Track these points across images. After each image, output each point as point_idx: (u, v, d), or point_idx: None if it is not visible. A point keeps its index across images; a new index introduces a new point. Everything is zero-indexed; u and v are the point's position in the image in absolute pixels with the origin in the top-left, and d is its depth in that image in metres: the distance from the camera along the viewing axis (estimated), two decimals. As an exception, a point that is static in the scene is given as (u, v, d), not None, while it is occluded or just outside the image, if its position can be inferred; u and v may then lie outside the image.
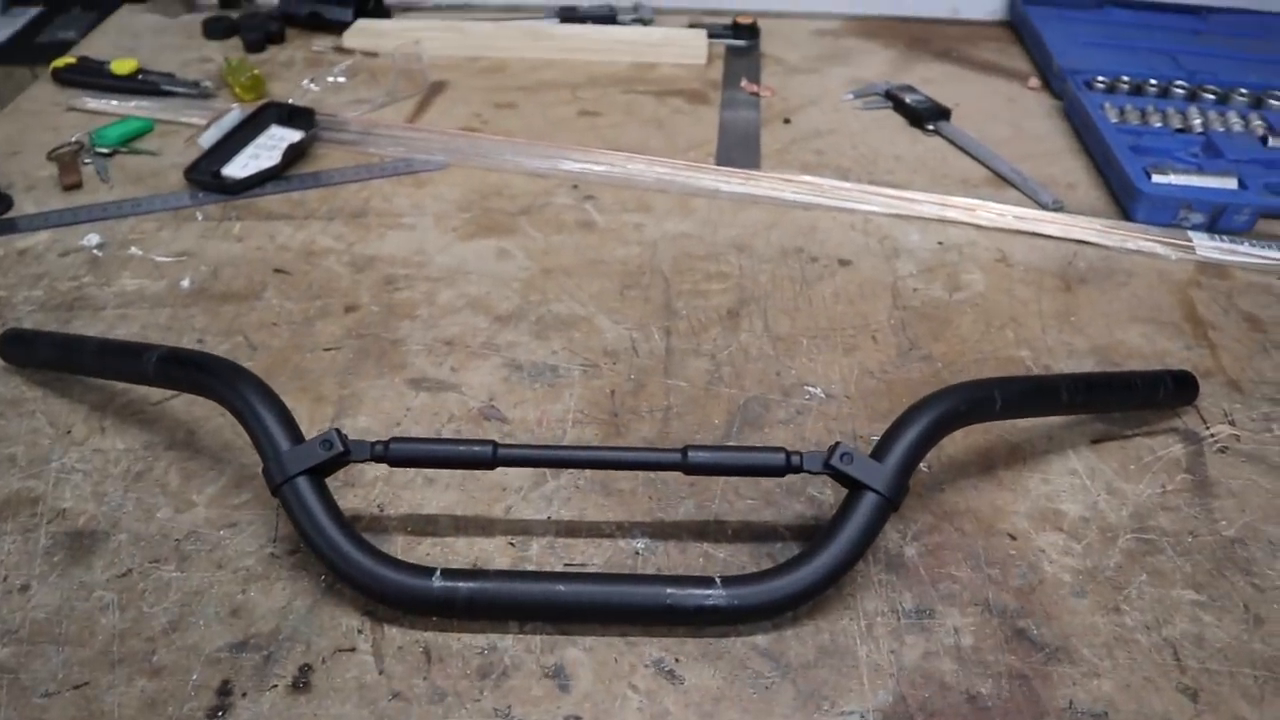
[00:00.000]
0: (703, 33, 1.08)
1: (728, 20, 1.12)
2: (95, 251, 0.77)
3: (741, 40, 1.10)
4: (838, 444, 0.53)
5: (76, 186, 0.84)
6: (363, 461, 0.53)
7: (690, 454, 0.53)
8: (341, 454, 0.52)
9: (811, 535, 0.56)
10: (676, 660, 0.50)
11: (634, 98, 1.00)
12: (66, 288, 0.74)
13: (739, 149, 0.90)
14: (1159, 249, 0.79)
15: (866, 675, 0.49)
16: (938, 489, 0.59)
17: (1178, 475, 0.61)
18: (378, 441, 0.53)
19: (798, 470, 0.53)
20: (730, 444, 0.56)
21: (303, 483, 0.52)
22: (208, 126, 0.88)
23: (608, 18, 1.11)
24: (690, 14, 1.17)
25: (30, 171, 0.87)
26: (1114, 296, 0.75)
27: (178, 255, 0.77)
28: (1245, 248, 0.79)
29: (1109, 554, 0.56)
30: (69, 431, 0.62)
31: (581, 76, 1.04)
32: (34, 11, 1.26)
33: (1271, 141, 0.87)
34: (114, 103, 0.96)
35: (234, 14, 1.11)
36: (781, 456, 0.53)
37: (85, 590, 0.53)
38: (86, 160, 0.87)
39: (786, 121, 0.96)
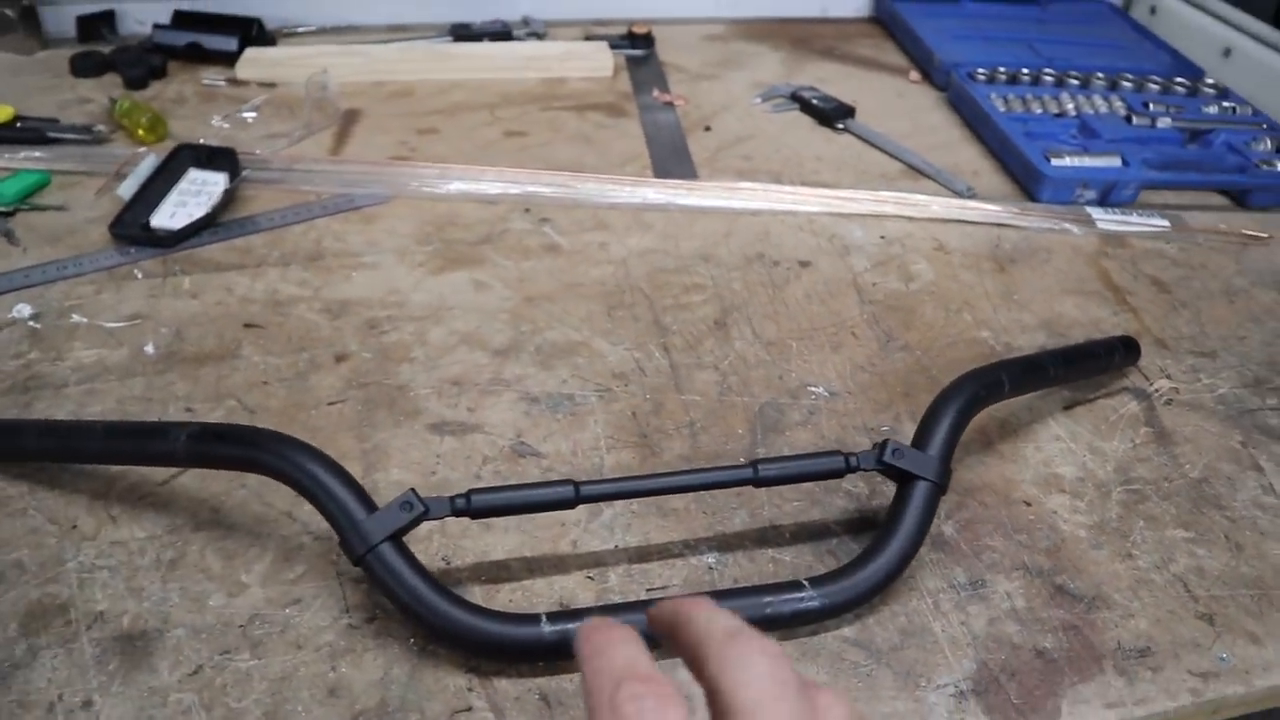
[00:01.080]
0: (605, 45, 1.09)
1: (615, 31, 1.14)
2: (31, 323, 0.71)
3: (639, 50, 1.12)
4: (886, 441, 0.57)
5: (-17, 254, 0.77)
6: (442, 518, 0.53)
7: (760, 468, 0.56)
8: (422, 513, 0.52)
9: (859, 528, 0.60)
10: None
11: (554, 114, 1.01)
12: (13, 367, 0.68)
13: (671, 160, 0.93)
14: (1067, 225, 0.88)
15: (947, 648, 0.54)
16: (953, 469, 0.64)
17: (1140, 429, 0.69)
18: (456, 495, 0.53)
19: (855, 470, 0.57)
20: (791, 454, 0.59)
21: (386, 549, 0.51)
22: (122, 175, 0.82)
23: (503, 34, 1.11)
24: (580, 25, 1.18)
25: (-82, 242, 0.79)
26: (1042, 273, 0.83)
27: (129, 319, 0.72)
28: (1135, 218, 0.89)
29: (1108, 507, 0.63)
30: (74, 526, 0.58)
31: (494, 96, 1.03)
32: None
33: (1135, 120, 0.98)
34: (2, 157, 0.87)
35: (104, 49, 1.03)
36: (841, 460, 0.57)
37: (158, 696, 0.50)
38: (-17, 224, 0.80)
39: (707, 129, 0.99)
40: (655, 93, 1.05)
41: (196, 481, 0.61)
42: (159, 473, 0.61)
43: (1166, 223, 0.89)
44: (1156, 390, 0.72)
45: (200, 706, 0.49)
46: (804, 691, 0.30)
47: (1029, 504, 0.63)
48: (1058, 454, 0.66)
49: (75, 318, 0.72)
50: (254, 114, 0.95)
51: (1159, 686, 0.52)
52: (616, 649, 0.31)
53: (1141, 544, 0.60)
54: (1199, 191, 0.95)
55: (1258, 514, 0.63)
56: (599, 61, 1.08)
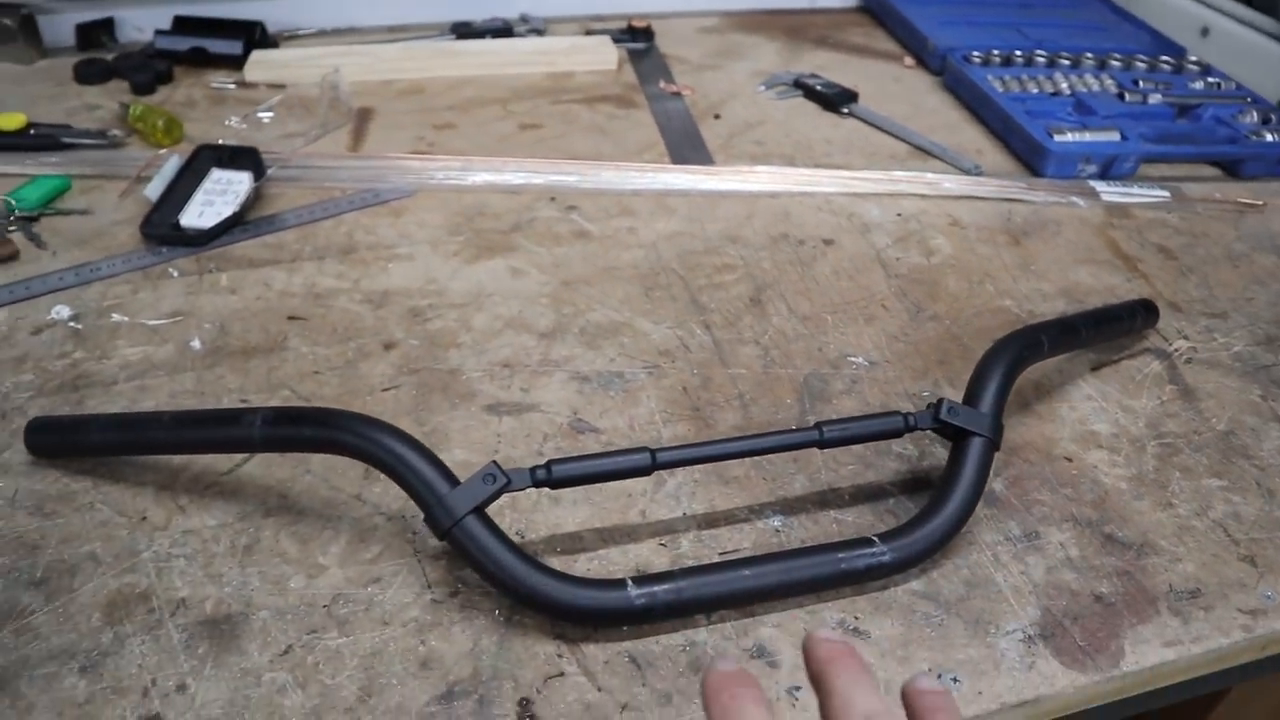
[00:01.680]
0: (608, 38, 1.11)
1: (613, 25, 1.16)
2: (72, 324, 0.71)
3: (639, 43, 1.14)
4: (941, 400, 0.59)
5: (13, 257, 0.76)
6: (523, 489, 0.54)
7: (825, 429, 0.57)
8: (504, 485, 0.53)
9: (913, 488, 0.62)
10: (856, 618, 0.54)
11: (566, 107, 1.02)
12: (59, 367, 0.67)
13: (686, 147, 0.95)
14: (1073, 198, 0.91)
15: (1011, 597, 0.56)
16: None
17: (1166, 387, 0.72)
18: (536, 466, 0.54)
19: (913, 429, 0.59)
20: (852, 416, 0.60)
21: (472, 521, 0.52)
22: (146, 178, 0.82)
23: (504, 31, 1.12)
24: (577, 21, 1.19)
25: (-55, 248, 0.78)
26: (1054, 244, 0.86)
27: (170, 316, 0.72)
28: (1136, 190, 0.93)
29: (1145, 460, 0.65)
30: (145, 517, 0.58)
31: (504, 91, 1.04)
32: None
33: (1128, 97, 1.01)
34: (12, 163, 0.86)
35: (107, 55, 1.02)
36: (900, 419, 0.59)
37: (251, 676, 0.50)
38: (10, 228, 0.79)
39: (717, 117, 1.01)
40: (661, 83, 1.06)
41: (260, 469, 0.61)
42: (222, 462, 0.61)
43: (1166, 193, 0.92)
44: (1176, 350, 0.75)
45: (295, 685, 0.50)
46: None
47: (1070, 460, 0.65)
48: (1091, 412, 0.69)
49: (116, 317, 0.72)
50: (269, 114, 0.95)
51: (1212, 625, 0.55)
52: (744, 713, 0.35)
53: (1180, 493, 0.63)
54: (1193, 164, 0.99)
55: (1285, 461, 0.66)
56: (604, 55, 1.09)
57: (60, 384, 0.66)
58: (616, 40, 1.13)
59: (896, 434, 0.59)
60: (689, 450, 0.56)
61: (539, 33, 1.14)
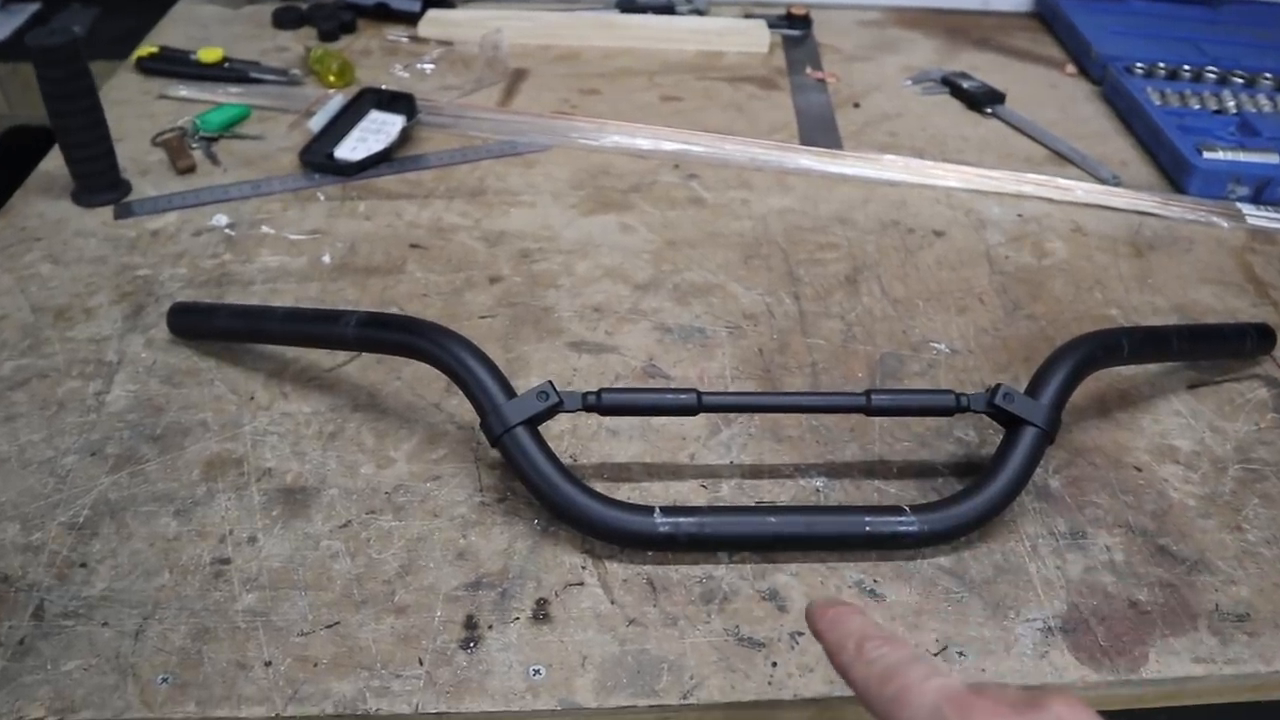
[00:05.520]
0: (763, 22, 1.14)
1: (775, 12, 1.18)
2: (227, 231, 0.80)
3: (796, 30, 1.16)
4: (999, 385, 0.59)
5: (191, 170, 0.87)
6: (574, 411, 0.58)
7: (873, 397, 0.59)
8: (556, 404, 0.57)
9: (965, 472, 0.62)
10: (875, 581, 0.55)
11: (709, 84, 1.06)
12: (210, 265, 0.77)
13: (818, 131, 0.96)
14: (1214, 218, 0.87)
15: (1040, 588, 0.55)
16: (1065, 430, 0.65)
17: (1268, 415, 0.68)
18: (589, 392, 0.58)
19: (965, 410, 0.59)
20: (906, 389, 0.61)
21: (521, 432, 0.56)
22: (312, 112, 0.91)
23: (666, 8, 1.16)
24: (740, 5, 1.22)
25: (138, 157, 0.89)
26: (1181, 261, 0.83)
27: (310, 233, 0.80)
28: (1289, 216, 0.88)
29: (1223, 482, 0.63)
30: (252, 398, 0.65)
31: (655, 64, 1.09)
32: (33, 8, 1.27)
33: (1301, 121, 0.96)
34: (206, 91, 0.98)
35: (302, 4, 1.14)
36: (951, 397, 0.59)
37: (312, 541, 0.56)
38: (193, 145, 0.90)
39: (856, 106, 1.02)
40: (808, 70, 1.08)
41: (359, 371, 0.68)
42: (327, 360, 0.68)
43: (1323, 224, 0.87)
44: (1291, 381, 0.71)
45: (346, 553, 0.56)
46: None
47: (1139, 469, 0.63)
48: (1175, 428, 0.67)
49: (264, 229, 0.81)
50: (431, 66, 1.03)
51: (1253, 650, 0.53)
52: (850, 619, 0.40)
53: (1254, 519, 0.60)
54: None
55: (1383, 504, 0.62)
56: (756, 38, 1.12)
57: (207, 279, 0.75)
58: (773, 26, 1.15)
59: (947, 412, 0.59)
60: (735, 398, 0.59)
61: (700, 13, 1.17)
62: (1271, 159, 0.90)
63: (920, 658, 0.37)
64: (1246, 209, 0.88)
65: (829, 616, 0.41)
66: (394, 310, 0.73)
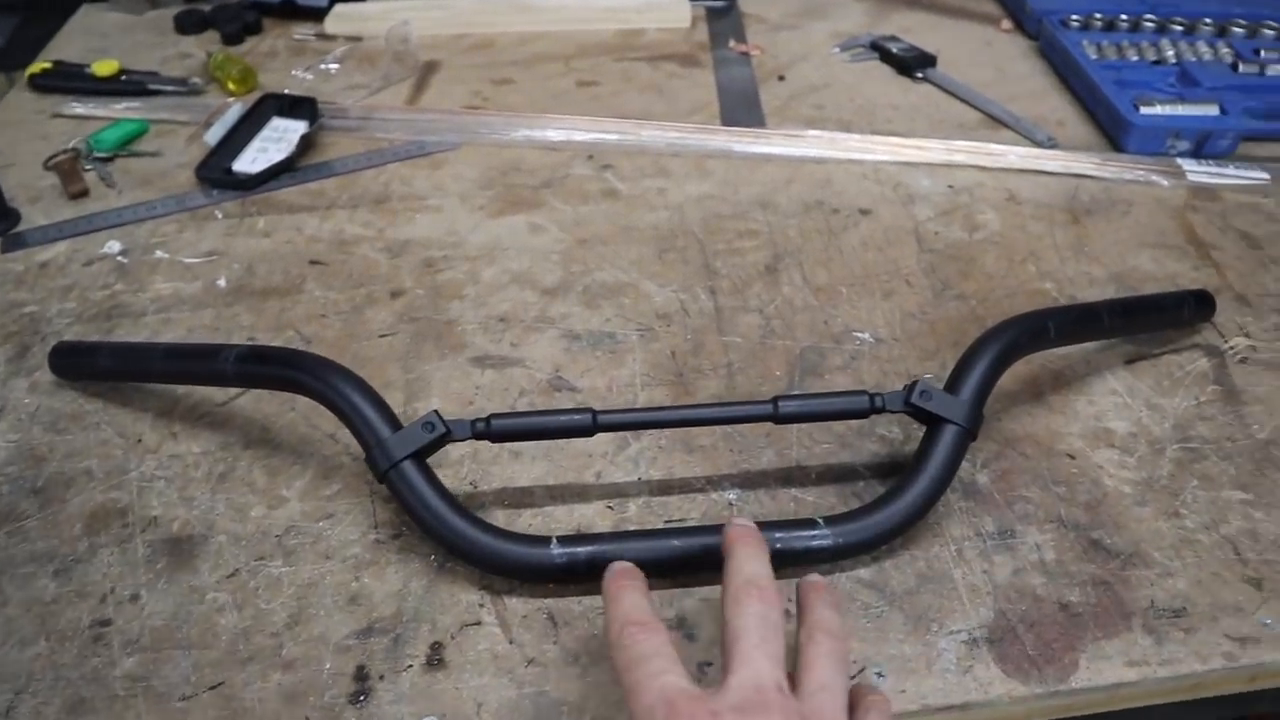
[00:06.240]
0: (684, -4, 1.09)
1: (698, -18, 1.14)
2: (120, 258, 0.76)
3: (719, 2, 1.11)
4: (915, 382, 0.56)
5: (83, 194, 0.83)
6: (464, 440, 0.54)
7: (781, 404, 0.55)
8: (444, 434, 0.54)
9: (889, 473, 0.59)
10: (790, 600, 0.52)
11: (628, 65, 1.01)
12: (99, 297, 0.73)
13: (741, 109, 0.92)
14: (1153, 177, 0.83)
15: (965, 596, 0.53)
16: (995, 419, 0.63)
17: (1208, 387, 0.65)
18: (477, 419, 0.55)
19: (881, 411, 0.56)
20: (815, 392, 0.58)
21: (408, 467, 0.53)
22: (210, 123, 0.87)
23: (585, -14, 1.12)
24: (663, -22, 1.18)
25: (30, 183, 0.85)
26: (1119, 225, 0.79)
27: (206, 255, 0.77)
28: (1231, 170, 0.84)
29: (1160, 464, 0.60)
30: (139, 440, 0.62)
31: (571, 47, 1.05)
32: (17, 21, 1.22)
33: (1242, 68, 0.92)
34: (102, 106, 0.93)
35: (205, 7, 1.09)
36: (865, 399, 0.56)
37: (197, 594, 0.53)
38: (87, 166, 0.86)
39: (781, 78, 0.98)
40: (731, 43, 1.04)
41: (252, 403, 0.64)
42: (218, 394, 0.65)
43: (1267, 175, 0.83)
44: (1231, 348, 0.68)
45: (233, 606, 0.53)
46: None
47: (1072, 457, 0.60)
48: (1111, 408, 0.64)
49: (159, 253, 0.77)
50: (336, 65, 0.99)
51: (1190, 648, 0.50)
52: (625, 596, 0.44)
53: (1192, 503, 0.58)
54: (1309, 144, 0.89)
55: (1327, 478, 0.59)
56: (677, 13, 1.07)
57: (97, 313, 0.72)
58: (696, -1, 1.11)
59: (861, 415, 0.56)
60: (634, 414, 0.56)
61: (620, -11, 1.13)
62: (1212, 110, 0.86)
63: (661, 652, 0.40)
64: (1187, 165, 0.85)
65: (613, 589, 0.44)
66: (290, 334, 0.69)
